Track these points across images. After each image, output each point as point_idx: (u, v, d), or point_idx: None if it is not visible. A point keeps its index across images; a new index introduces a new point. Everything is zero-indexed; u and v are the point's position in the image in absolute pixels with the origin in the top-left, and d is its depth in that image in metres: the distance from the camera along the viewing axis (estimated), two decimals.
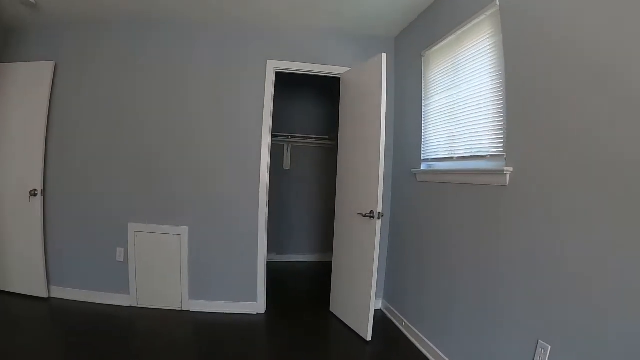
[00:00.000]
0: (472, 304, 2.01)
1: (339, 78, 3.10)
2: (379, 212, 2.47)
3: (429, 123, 2.59)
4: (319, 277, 4.13)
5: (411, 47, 2.90)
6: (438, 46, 2.48)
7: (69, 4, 2.71)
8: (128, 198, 2.97)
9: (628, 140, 1.21)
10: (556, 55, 1.52)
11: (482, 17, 2.00)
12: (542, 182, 1.57)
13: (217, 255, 3.01)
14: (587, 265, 1.35)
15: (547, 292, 1.52)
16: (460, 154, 2.20)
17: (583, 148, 1.38)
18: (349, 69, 3.02)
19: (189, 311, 2.96)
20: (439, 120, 2.45)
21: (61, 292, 2.97)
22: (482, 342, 1.90)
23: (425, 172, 2.60)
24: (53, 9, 2.77)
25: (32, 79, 2.93)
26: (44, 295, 2.93)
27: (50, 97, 2.94)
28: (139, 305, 2.96)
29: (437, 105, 2.48)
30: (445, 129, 2.37)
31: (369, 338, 2.54)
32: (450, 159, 2.30)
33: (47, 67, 2.92)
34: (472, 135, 2.10)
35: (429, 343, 2.37)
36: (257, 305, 3.02)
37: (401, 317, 2.82)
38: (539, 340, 1.53)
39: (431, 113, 2.57)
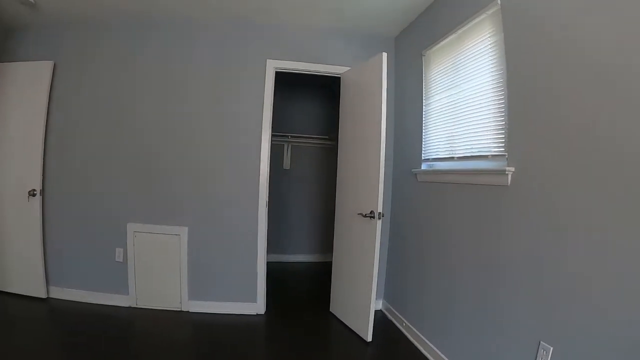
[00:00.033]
0: (473, 305, 2.00)
1: (339, 77, 3.10)
2: (380, 213, 2.46)
3: (430, 122, 2.58)
4: (319, 277, 4.12)
5: (411, 47, 2.89)
6: (438, 45, 2.47)
7: (69, 4, 2.71)
8: (127, 198, 2.95)
9: (630, 139, 1.20)
10: (557, 54, 1.51)
11: (483, 16, 1.99)
12: (544, 182, 1.56)
13: (216, 256, 2.99)
14: (589, 266, 1.34)
15: (549, 292, 1.50)
16: (461, 153, 2.19)
17: (585, 147, 1.37)
18: (349, 68, 3.01)
19: (188, 312, 2.95)
20: (440, 120, 2.44)
21: (60, 293, 2.96)
22: (483, 343, 1.89)
23: (425, 172, 2.58)
24: (52, 8, 2.76)
25: (31, 78, 2.92)
26: (43, 295, 2.92)
27: (50, 97, 2.93)
28: (138, 306, 2.94)
29: (438, 104, 2.47)
30: (446, 128, 2.36)
31: (369, 339, 2.53)
32: (451, 158, 2.29)
33: (46, 66, 2.91)
34: (473, 135, 2.09)
35: (430, 344, 2.36)
36: (257, 306, 3.01)
37: (402, 317, 2.80)
38: (541, 342, 1.52)
39: (432, 112, 2.56)
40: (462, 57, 2.20)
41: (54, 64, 2.94)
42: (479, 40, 2.04)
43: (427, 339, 2.40)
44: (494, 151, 1.90)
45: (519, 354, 1.64)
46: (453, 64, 2.30)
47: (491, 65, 1.94)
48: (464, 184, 2.12)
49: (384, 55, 2.48)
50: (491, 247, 1.87)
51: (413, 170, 2.72)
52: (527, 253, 1.63)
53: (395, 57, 3.18)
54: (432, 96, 2.56)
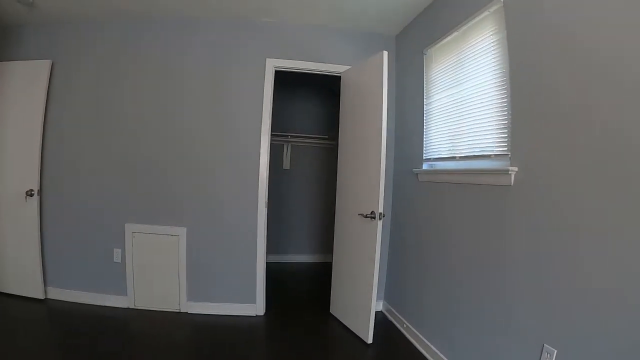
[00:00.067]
0: (474, 306, 1.97)
1: (339, 77, 3.07)
2: (380, 213, 2.43)
3: (431, 122, 2.55)
4: (319, 278, 4.09)
5: (412, 45, 2.87)
6: (440, 44, 2.44)
7: (67, 3, 2.68)
8: (125, 198, 2.93)
9: (637, 139, 1.17)
10: (561, 52, 1.48)
11: (485, 13, 1.97)
12: (548, 182, 1.53)
13: (216, 256, 2.97)
14: (594, 268, 1.31)
15: (553, 294, 1.48)
16: (463, 153, 2.16)
17: (590, 146, 1.34)
18: (349, 67, 2.98)
19: (187, 313, 2.92)
20: (441, 119, 2.42)
21: (58, 294, 2.93)
22: (485, 345, 1.86)
23: (427, 172, 2.56)
24: (50, 7, 2.74)
25: (28, 77, 2.90)
26: (41, 296, 2.90)
27: (47, 96, 2.90)
28: (136, 307, 2.92)
29: (439, 103, 2.45)
30: (448, 128, 2.34)
31: (369, 340, 2.50)
32: (453, 158, 2.26)
33: (43, 65, 2.89)
34: (476, 134, 2.06)
35: (431, 346, 2.33)
36: (257, 307, 2.98)
37: (402, 319, 2.78)
38: (545, 344, 1.49)
39: (433, 112, 2.53)
40: (464, 55, 2.17)
41: (52, 63, 2.92)
42: (481, 38, 2.02)
43: (428, 341, 2.37)
44: (497, 151, 1.87)
45: (521, 356, 1.61)
46: (454, 62, 2.27)
47: (493, 64, 1.91)
48: (466, 184, 2.10)
49: (385, 53, 2.46)
50: (493, 248, 1.84)
51: (414, 170, 2.69)
52: (531, 254, 1.60)
53: (396, 56, 3.16)
54: (434, 95, 2.53)
